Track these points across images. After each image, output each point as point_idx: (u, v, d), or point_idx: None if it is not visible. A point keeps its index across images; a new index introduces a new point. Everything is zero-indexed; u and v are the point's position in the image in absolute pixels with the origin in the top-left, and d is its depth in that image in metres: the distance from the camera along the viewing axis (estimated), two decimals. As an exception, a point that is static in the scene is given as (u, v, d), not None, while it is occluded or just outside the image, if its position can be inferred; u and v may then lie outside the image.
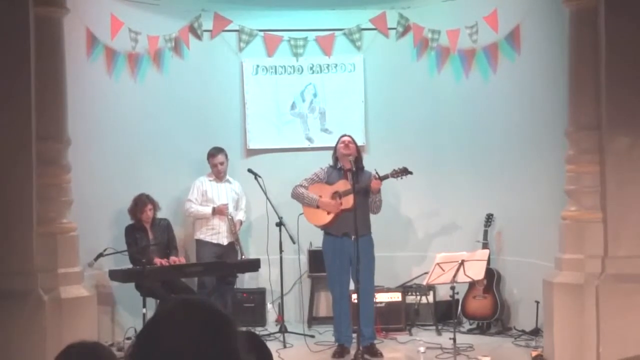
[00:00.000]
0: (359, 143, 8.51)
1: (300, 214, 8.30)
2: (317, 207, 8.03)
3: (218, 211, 9.05)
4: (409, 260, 9.72)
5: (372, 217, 8.09)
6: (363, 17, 9.78)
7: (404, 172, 7.96)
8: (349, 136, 8.19)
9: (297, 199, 8.18)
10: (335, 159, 8.14)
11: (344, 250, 7.90)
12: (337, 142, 8.17)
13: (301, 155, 9.75)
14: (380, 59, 9.90)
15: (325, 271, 8.26)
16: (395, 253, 9.67)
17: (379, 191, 7.97)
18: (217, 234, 9.10)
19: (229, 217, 9.03)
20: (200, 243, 9.14)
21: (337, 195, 8.00)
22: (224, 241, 9.10)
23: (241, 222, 9.29)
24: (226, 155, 9.22)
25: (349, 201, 7.80)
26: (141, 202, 8.68)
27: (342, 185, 7.99)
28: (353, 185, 7.68)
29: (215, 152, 9.18)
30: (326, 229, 8.10)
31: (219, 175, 9.19)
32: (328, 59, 9.91)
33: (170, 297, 8.08)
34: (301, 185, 8.14)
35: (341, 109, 9.94)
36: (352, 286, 8.01)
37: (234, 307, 9.19)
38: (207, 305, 2.09)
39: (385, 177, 7.92)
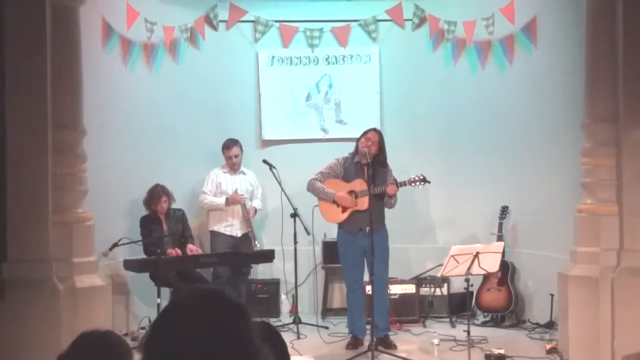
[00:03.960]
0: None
1: (315, 206, 8.30)
2: (334, 201, 8.01)
3: (232, 200, 9.07)
4: (424, 252, 9.71)
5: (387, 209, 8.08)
6: (379, 8, 9.76)
7: (422, 180, 7.92)
8: (377, 133, 8.06)
9: (313, 193, 8.16)
10: (356, 148, 8.07)
11: (358, 244, 7.90)
12: (362, 134, 8.05)
13: (316, 146, 9.74)
14: (396, 50, 9.88)
15: (340, 263, 8.27)
16: (410, 245, 9.66)
17: (394, 194, 7.94)
18: (231, 225, 9.13)
19: (242, 202, 9.04)
20: (214, 234, 9.18)
21: (352, 194, 7.98)
22: (238, 233, 9.13)
23: (256, 210, 9.31)
24: (241, 147, 9.23)
25: (364, 202, 7.79)
26: (156, 194, 8.70)
27: (359, 185, 7.94)
28: (369, 186, 7.67)
29: (230, 145, 9.19)
30: (341, 225, 8.10)
31: (233, 167, 9.21)
32: (344, 50, 9.89)
33: (185, 287, 8.12)
34: (317, 179, 8.11)
35: (356, 100, 9.93)
36: (366, 278, 8.03)
37: (248, 297, 9.21)
38: (223, 294, 2.09)
39: (403, 184, 7.89)
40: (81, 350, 3.19)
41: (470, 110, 9.64)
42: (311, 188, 8.13)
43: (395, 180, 7.91)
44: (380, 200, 7.91)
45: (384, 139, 8.08)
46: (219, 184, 9.20)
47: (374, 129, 8.14)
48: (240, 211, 9.12)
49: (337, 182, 8.06)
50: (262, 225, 9.80)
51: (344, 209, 8.00)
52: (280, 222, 9.05)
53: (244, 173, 9.33)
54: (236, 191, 9.12)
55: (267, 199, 9.61)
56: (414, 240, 9.76)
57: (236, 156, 9.19)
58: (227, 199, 9.09)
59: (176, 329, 1.99)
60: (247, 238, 9.18)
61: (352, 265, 8.03)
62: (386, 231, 8.02)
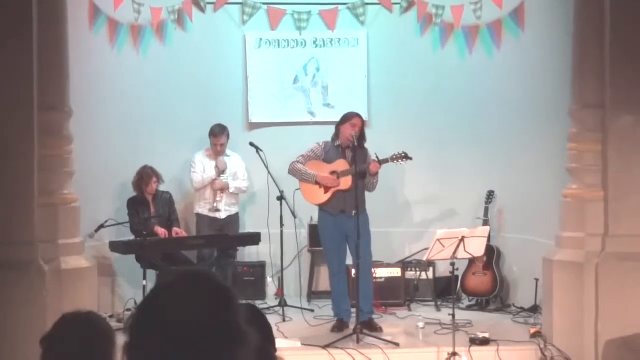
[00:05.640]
0: (362, 118, 8.45)
1: (297, 189, 8.29)
2: (316, 182, 8.00)
3: (220, 164, 9.05)
4: (409, 236, 9.73)
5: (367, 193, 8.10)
6: (367, -8, 9.74)
7: (404, 157, 7.93)
8: (361, 119, 8.07)
9: (294, 175, 8.13)
10: (337, 133, 8.09)
11: (340, 227, 7.92)
12: (346, 120, 8.00)
13: (303, 129, 9.72)
14: (384, 34, 9.86)
15: (322, 247, 8.29)
16: (395, 229, 9.68)
17: (376, 173, 7.94)
18: (212, 207, 9.09)
19: (223, 177, 9.05)
20: (200, 217, 9.16)
21: (335, 174, 7.98)
22: (221, 215, 9.09)
23: (239, 189, 9.29)
24: (228, 135, 9.17)
25: (347, 182, 7.80)
26: (146, 175, 8.68)
27: (341, 165, 7.96)
28: (351, 166, 7.69)
29: (218, 133, 9.09)
30: (322, 207, 8.11)
31: (217, 153, 9.15)
32: (331, 33, 9.86)
33: (171, 269, 8.14)
34: (298, 162, 8.08)
35: (344, 83, 9.91)
36: (349, 261, 8.06)
37: (234, 280, 9.21)
38: (209, 276, 2.09)
39: (385, 161, 7.88)
40: (64, 332, 3.21)
41: (457, 94, 9.64)
42: (293, 171, 8.10)
43: (377, 157, 7.90)
44: (361, 181, 7.90)
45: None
46: (204, 167, 9.16)
47: (358, 115, 8.12)
48: (224, 195, 9.11)
49: (319, 164, 8.05)
50: (248, 207, 9.80)
51: (326, 190, 7.99)
52: (267, 205, 9.04)
53: (227, 156, 9.29)
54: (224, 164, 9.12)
55: (253, 182, 9.59)
56: (400, 224, 9.79)
57: (222, 145, 9.12)
58: (216, 166, 9.06)
59: (162, 311, 1.99)
60: (233, 220, 9.19)
61: (336, 248, 8.04)
62: (367, 214, 8.02)
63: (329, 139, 8.14)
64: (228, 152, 9.28)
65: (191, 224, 9.48)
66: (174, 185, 9.40)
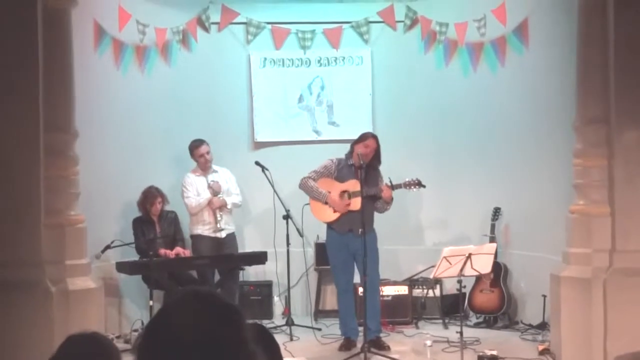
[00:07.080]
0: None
1: (306, 204, 8.29)
2: (326, 202, 7.99)
3: (215, 187, 8.98)
4: (416, 253, 9.70)
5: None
6: (371, 10, 9.76)
7: (417, 184, 7.93)
8: (376, 140, 8.01)
9: (305, 191, 8.13)
10: (351, 151, 8.04)
11: (347, 246, 7.92)
12: (361, 139, 7.98)
13: (308, 148, 9.73)
14: (388, 52, 9.88)
15: (329, 265, 8.28)
16: (402, 246, 9.66)
17: (391, 199, 7.92)
18: (217, 229, 9.04)
19: (219, 196, 8.99)
20: (199, 238, 9.05)
21: (345, 194, 7.97)
22: (222, 234, 9.06)
23: (236, 204, 9.24)
24: (207, 143, 9.12)
25: (356, 203, 7.79)
26: (151, 195, 8.69)
27: (352, 185, 7.93)
28: (362, 187, 7.67)
29: (199, 143, 9.01)
30: (330, 225, 8.10)
31: (205, 166, 9.07)
32: (336, 51, 9.89)
33: (179, 289, 8.12)
34: (310, 178, 8.08)
35: (348, 102, 9.93)
36: (355, 279, 8.05)
37: (241, 299, 9.18)
38: (217, 296, 2.09)
39: (398, 186, 7.88)
40: (69, 353, 3.20)
41: (462, 111, 9.65)
42: (304, 186, 8.10)
43: (390, 182, 7.89)
44: (371, 202, 7.91)
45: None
46: (197, 189, 9.11)
47: (373, 135, 8.11)
48: (223, 214, 9.06)
49: (331, 182, 8.05)
50: (254, 226, 9.80)
51: (336, 210, 7.99)
52: (273, 224, 9.02)
53: (215, 171, 9.21)
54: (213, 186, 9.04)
55: (259, 201, 9.60)
56: (405, 241, 9.75)
57: (207, 153, 9.01)
58: (210, 187, 9.00)
59: (170, 331, 1.99)
60: (232, 239, 9.15)
61: (343, 267, 8.04)
62: (375, 233, 8.02)
63: (342, 155, 8.13)
64: (215, 167, 9.20)
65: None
66: (181, 205, 9.37)
